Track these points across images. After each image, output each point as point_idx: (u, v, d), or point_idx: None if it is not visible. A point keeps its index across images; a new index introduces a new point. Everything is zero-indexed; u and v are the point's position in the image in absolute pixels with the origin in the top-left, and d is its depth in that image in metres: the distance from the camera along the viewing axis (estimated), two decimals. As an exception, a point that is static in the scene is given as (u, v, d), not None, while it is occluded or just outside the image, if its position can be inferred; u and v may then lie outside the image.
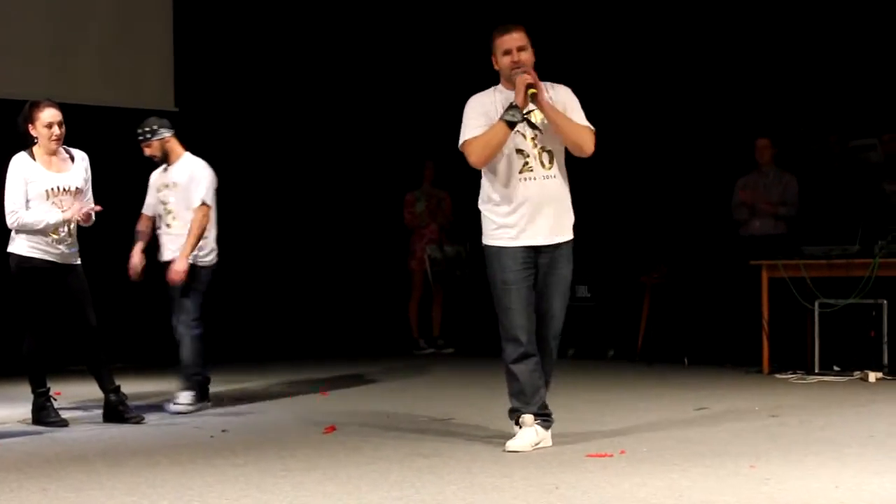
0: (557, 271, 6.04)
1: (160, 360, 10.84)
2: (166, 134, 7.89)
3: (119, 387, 7.33)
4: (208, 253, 7.92)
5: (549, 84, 6.09)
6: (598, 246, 11.87)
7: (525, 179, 5.97)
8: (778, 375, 9.46)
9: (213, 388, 8.22)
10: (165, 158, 7.92)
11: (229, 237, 11.98)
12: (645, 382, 9.22)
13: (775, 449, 5.87)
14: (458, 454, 5.83)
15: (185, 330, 7.79)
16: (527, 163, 5.98)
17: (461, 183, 6.47)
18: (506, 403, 6.14)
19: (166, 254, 7.90)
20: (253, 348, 11.73)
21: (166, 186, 7.93)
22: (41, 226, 7.00)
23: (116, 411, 7.25)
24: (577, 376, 9.61)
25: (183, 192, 7.84)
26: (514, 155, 5.98)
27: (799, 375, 9.37)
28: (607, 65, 12.15)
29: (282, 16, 12.58)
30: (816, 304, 9.54)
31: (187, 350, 7.76)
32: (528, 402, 5.98)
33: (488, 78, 6.23)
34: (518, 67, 5.94)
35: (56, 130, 7.08)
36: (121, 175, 9.48)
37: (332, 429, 6.72)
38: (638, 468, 5.36)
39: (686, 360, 10.53)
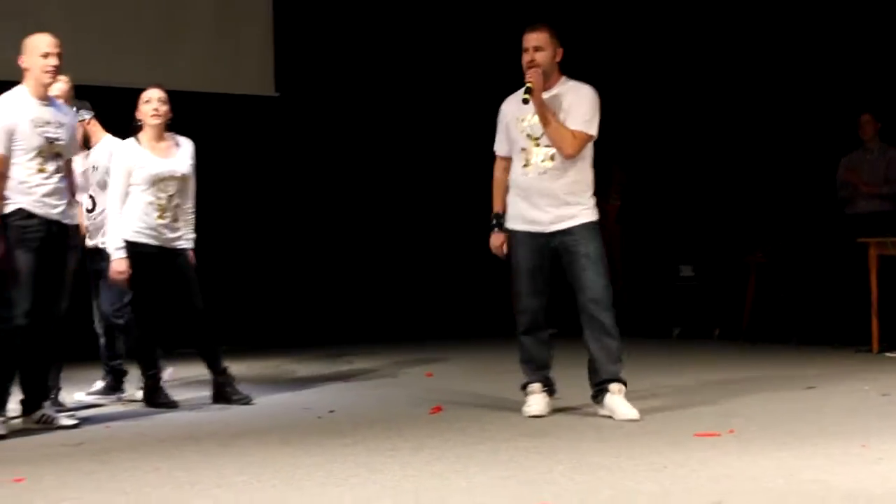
0: (575, 250, 6.32)
1: (266, 343, 11.02)
2: (86, 116, 7.51)
3: (227, 368, 7.41)
4: None
5: (571, 82, 6.41)
6: (703, 225, 11.80)
7: (526, 174, 6.40)
8: (888, 354, 9.33)
9: (321, 370, 8.25)
10: (86, 142, 7.53)
11: (339, 220, 12.15)
12: (752, 362, 9.13)
13: (887, 428, 5.77)
14: (564, 434, 5.82)
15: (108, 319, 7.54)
16: (528, 158, 6.38)
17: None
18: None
19: (90, 240, 7.47)
20: (359, 329, 11.82)
21: (90, 169, 7.55)
22: (108, 234, 7.09)
23: (224, 392, 7.35)
24: (683, 356, 9.59)
25: (102, 174, 7.44)
26: (520, 152, 6.42)
27: (910, 354, 9.25)
28: (711, 45, 12.04)
29: (382, -2, 12.64)
30: (927, 281, 9.39)
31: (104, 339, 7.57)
32: (535, 370, 6.51)
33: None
34: (531, 66, 6.31)
35: (154, 105, 7.13)
36: (222, 161, 9.59)
37: (439, 409, 6.75)
38: (747, 447, 5.30)
39: (795, 339, 10.41)
